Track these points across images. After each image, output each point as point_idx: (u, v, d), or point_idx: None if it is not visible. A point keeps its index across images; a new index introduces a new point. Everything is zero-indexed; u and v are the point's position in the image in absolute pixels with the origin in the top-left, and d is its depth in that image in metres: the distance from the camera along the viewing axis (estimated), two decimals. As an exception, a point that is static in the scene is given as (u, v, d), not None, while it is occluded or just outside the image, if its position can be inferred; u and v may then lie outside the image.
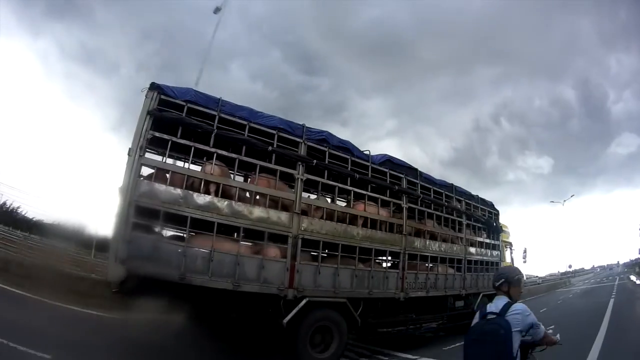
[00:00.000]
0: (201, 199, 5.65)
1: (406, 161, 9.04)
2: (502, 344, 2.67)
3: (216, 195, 5.79)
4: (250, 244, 6.33)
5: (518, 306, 2.87)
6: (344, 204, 7.93)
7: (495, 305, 2.93)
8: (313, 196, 7.54)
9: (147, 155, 5.69)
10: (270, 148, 6.41)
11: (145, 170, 5.73)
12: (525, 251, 13.88)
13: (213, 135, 5.89)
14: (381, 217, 7.90)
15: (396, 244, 8.07)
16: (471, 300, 10.23)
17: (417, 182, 8.86)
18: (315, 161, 6.95)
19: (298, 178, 6.75)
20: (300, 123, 7.12)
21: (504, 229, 12.67)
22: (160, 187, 5.42)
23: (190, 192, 5.58)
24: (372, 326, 7.61)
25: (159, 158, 5.99)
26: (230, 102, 6.32)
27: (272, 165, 6.43)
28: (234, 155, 6.09)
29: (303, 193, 7.20)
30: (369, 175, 7.85)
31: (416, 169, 8.99)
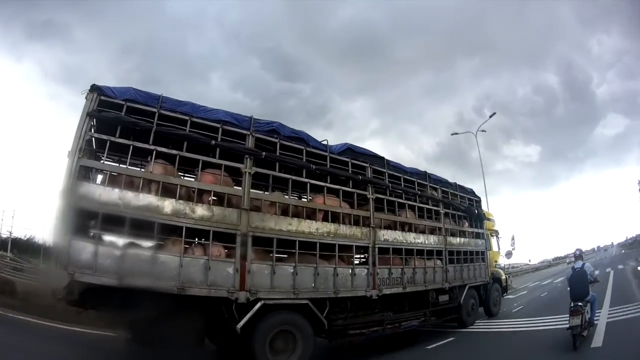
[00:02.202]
0: (140, 198, 5.30)
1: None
2: (585, 281, 6.95)
3: (157, 194, 5.43)
4: (195, 244, 5.84)
5: (587, 264, 7.32)
6: (304, 199, 7.42)
7: (578, 264, 7.28)
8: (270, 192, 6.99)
9: (103, 159, 5.77)
10: (213, 142, 6.03)
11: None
12: (513, 238, 13.25)
13: (152, 132, 5.57)
14: (344, 210, 7.32)
15: (363, 238, 7.47)
16: (456, 293, 9.57)
17: (385, 170, 8.28)
18: (264, 153, 6.47)
19: (246, 172, 6.26)
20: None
21: (488, 217, 12.03)
22: (100, 189, 5.14)
23: (129, 192, 5.27)
24: (342, 328, 7.00)
25: (113, 162, 5.81)
26: (172, 99, 6.02)
27: (216, 160, 6.05)
28: (174, 152, 5.75)
29: (257, 190, 6.81)
30: (328, 166, 7.30)
31: (382, 157, 8.41)
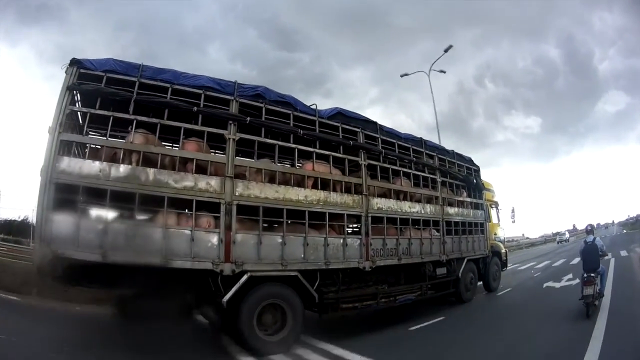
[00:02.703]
0: (121, 170, 5.07)
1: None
2: (596, 253, 7.46)
3: (137, 164, 5.18)
4: (178, 215, 5.49)
5: (598, 238, 7.81)
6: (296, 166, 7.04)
7: (589, 238, 7.79)
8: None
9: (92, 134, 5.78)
10: (195, 109, 5.70)
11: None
12: (513, 211, 12.85)
13: (132, 101, 5.33)
14: (334, 177, 6.90)
15: (355, 207, 7.07)
16: (454, 266, 9.24)
17: (378, 136, 7.82)
18: (249, 118, 6.08)
19: (229, 138, 5.90)
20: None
21: (488, 187, 11.60)
22: (80, 163, 4.96)
23: (109, 164, 5.02)
24: (334, 302, 6.67)
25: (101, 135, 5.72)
26: (153, 67, 5.69)
27: (198, 127, 5.73)
28: (155, 120, 5.43)
29: (244, 157, 6.51)
30: (317, 131, 6.84)
31: (375, 122, 7.94)
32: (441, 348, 6.20)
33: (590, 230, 8.33)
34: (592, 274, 7.19)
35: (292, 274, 6.00)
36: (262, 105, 6.31)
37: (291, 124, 6.56)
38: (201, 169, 5.73)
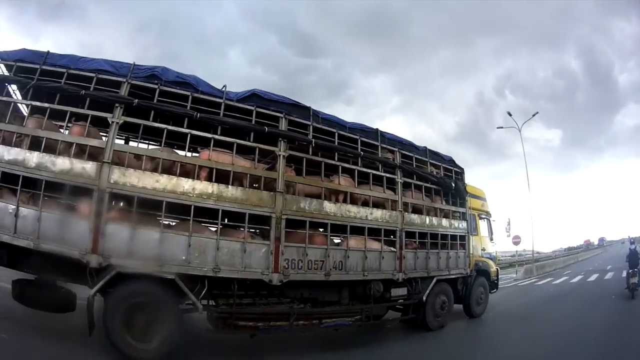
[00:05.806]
0: (10, 152, 5.12)
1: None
2: (637, 256, 11.79)
3: (26, 148, 5.15)
4: (55, 199, 5.24)
5: (638, 246, 13.14)
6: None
7: (632, 246, 12.93)
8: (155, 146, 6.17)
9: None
10: (82, 92, 5.43)
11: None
12: (509, 223, 10.74)
13: (30, 87, 5.37)
14: (235, 168, 5.86)
15: (264, 205, 5.95)
16: (418, 287, 7.57)
17: (309, 123, 6.62)
18: (137, 100, 5.51)
19: (113, 122, 5.44)
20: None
21: (478, 194, 9.61)
22: None
23: (3, 147, 5.13)
24: (227, 316, 5.61)
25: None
26: (56, 54, 5.70)
27: (83, 111, 5.45)
28: (46, 105, 5.37)
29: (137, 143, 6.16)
30: (221, 115, 5.90)
31: (308, 107, 6.75)
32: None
33: (632, 241, 13.14)
34: (636, 269, 11.24)
35: (169, 276, 5.17)
36: (156, 86, 5.70)
37: (188, 107, 5.77)
38: (81, 153, 5.32)
